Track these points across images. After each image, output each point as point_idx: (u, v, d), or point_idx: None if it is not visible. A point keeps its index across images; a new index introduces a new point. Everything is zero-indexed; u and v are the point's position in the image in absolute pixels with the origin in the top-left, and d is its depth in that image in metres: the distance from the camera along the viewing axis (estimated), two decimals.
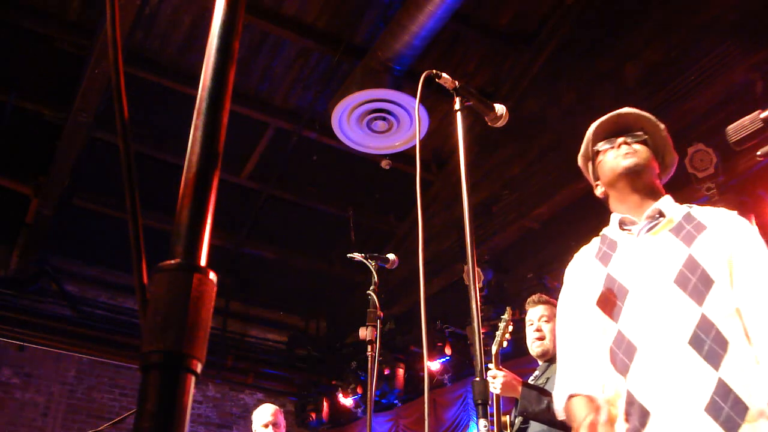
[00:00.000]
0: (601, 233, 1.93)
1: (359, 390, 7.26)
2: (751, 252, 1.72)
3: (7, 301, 7.05)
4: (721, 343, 1.60)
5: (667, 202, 1.90)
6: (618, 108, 2.02)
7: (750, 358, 1.60)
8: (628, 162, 1.87)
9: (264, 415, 4.13)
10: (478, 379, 1.26)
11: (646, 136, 1.95)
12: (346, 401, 7.44)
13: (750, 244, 1.74)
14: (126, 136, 0.70)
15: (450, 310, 6.26)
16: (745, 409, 1.53)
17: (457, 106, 1.69)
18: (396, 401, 7.24)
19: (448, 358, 6.33)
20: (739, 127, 1.61)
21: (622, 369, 1.67)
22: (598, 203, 2.06)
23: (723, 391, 1.55)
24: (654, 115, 2.02)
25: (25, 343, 7.18)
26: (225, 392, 8.38)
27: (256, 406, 4.42)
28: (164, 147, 6.41)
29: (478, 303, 1.36)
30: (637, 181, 1.89)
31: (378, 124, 5.37)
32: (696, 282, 1.66)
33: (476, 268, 1.45)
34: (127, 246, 0.67)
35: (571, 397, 1.77)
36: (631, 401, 1.64)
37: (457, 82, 1.72)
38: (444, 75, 1.72)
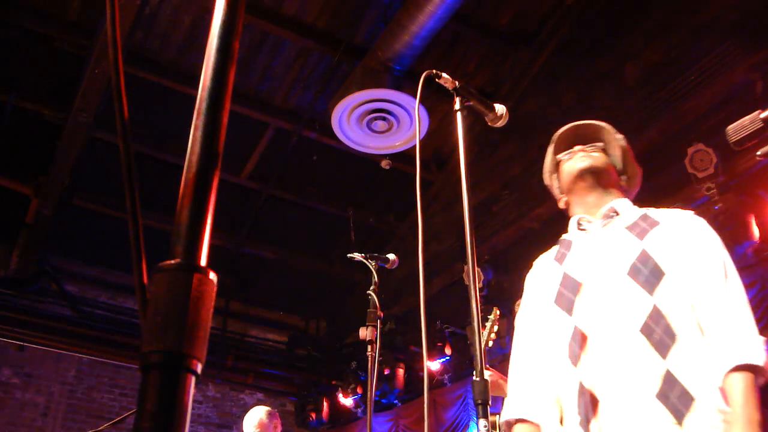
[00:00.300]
0: (560, 239, 1.98)
1: (359, 390, 7.26)
2: (704, 248, 1.75)
3: (7, 301, 7.05)
4: (670, 335, 1.63)
5: (623, 202, 1.94)
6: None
7: (700, 351, 1.62)
8: (584, 163, 1.93)
9: (250, 421, 4.13)
10: (478, 379, 1.25)
11: (602, 145, 2.01)
12: (346, 401, 7.44)
13: (704, 240, 1.77)
14: (126, 136, 0.70)
15: (450, 310, 6.26)
16: (691, 399, 1.55)
17: (457, 106, 1.69)
18: (396, 401, 7.24)
19: (448, 358, 6.33)
20: (739, 127, 1.61)
21: (575, 360, 1.69)
22: None
23: (670, 381, 1.57)
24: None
25: (25, 343, 7.18)
26: (225, 392, 8.38)
27: (256, 405, 4.41)
28: (164, 147, 6.41)
29: (478, 303, 1.36)
30: (593, 182, 1.93)
31: (378, 124, 5.37)
32: (648, 274, 1.70)
33: (476, 268, 1.46)
34: (127, 246, 0.67)
35: (516, 422, 1.80)
36: (582, 391, 1.65)
37: (457, 82, 1.72)
38: (444, 75, 1.72)
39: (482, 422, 1.22)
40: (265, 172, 6.86)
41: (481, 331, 1.30)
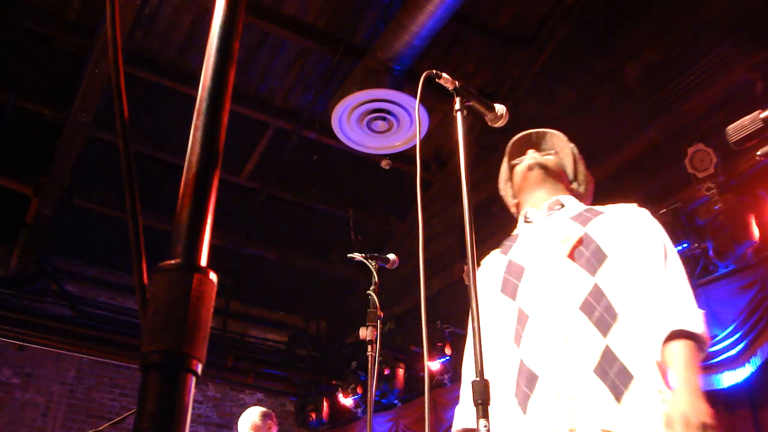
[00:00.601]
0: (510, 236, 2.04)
1: (359, 390, 7.26)
2: (645, 232, 1.81)
3: (7, 301, 7.05)
4: (611, 314, 1.66)
5: (570, 198, 2.00)
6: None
7: (642, 331, 1.65)
8: (533, 161, 2.03)
9: (244, 424, 4.12)
10: (477, 379, 1.25)
11: (553, 151, 2.09)
12: (346, 401, 7.44)
13: (645, 226, 1.83)
14: (126, 136, 0.70)
15: (450, 310, 6.26)
16: (630, 377, 1.57)
17: (457, 106, 1.69)
18: (396, 401, 7.24)
19: (448, 358, 6.33)
20: (739, 127, 1.61)
21: (518, 340, 1.72)
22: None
23: (609, 357, 1.60)
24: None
25: (25, 343, 7.18)
26: (225, 392, 8.38)
27: (255, 405, 4.41)
28: (164, 147, 6.41)
29: (478, 302, 1.36)
30: (542, 177, 2.01)
31: (378, 124, 5.37)
32: (590, 256, 1.74)
33: (476, 268, 1.46)
34: (127, 246, 0.67)
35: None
36: (521, 369, 1.68)
37: (457, 82, 1.72)
38: (444, 75, 1.72)
39: (482, 422, 1.21)
40: (265, 172, 6.85)
41: (480, 331, 1.30)
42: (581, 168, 2.12)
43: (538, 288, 1.76)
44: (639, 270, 1.73)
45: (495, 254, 2.01)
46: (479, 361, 1.27)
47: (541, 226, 1.91)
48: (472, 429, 1.78)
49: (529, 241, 1.89)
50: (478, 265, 2.01)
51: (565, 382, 1.59)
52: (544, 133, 2.13)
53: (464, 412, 1.85)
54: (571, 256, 1.76)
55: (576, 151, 2.11)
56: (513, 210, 2.13)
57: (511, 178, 2.12)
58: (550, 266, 1.78)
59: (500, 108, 1.83)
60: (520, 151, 2.11)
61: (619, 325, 1.64)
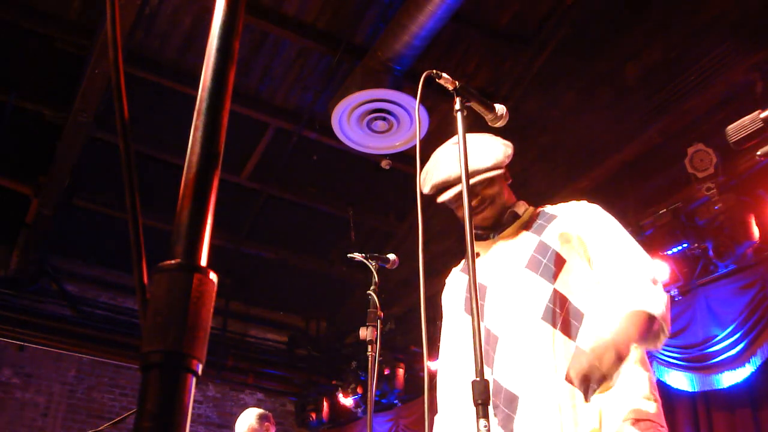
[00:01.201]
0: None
1: (359, 390, 7.26)
2: (600, 223, 1.81)
3: (7, 301, 7.05)
4: (577, 316, 1.66)
5: (520, 204, 2.00)
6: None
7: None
8: (487, 222, 1.95)
9: (241, 426, 4.08)
10: (477, 379, 1.25)
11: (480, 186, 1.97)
12: (346, 401, 7.44)
13: (598, 218, 1.83)
14: (126, 136, 0.70)
15: None
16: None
17: (457, 106, 1.70)
18: (396, 401, 7.24)
19: None
20: (739, 127, 1.61)
21: (489, 361, 1.70)
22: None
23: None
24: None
25: (25, 343, 7.18)
26: (225, 392, 8.38)
27: (256, 406, 4.40)
28: (164, 147, 6.41)
29: (477, 302, 1.36)
30: (490, 214, 1.96)
31: (378, 124, 5.37)
32: (546, 263, 1.74)
33: (476, 269, 1.45)
34: (127, 246, 0.67)
35: None
36: (497, 390, 1.65)
37: (457, 82, 1.72)
38: (444, 75, 1.72)
39: (482, 422, 1.21)
40: (265, 172, 6.85)
41: (480, 330, 1.30)
42: (499, 150, 2.02)
43: (501, 305, 1.76)
44: (604, 265, 1.72)
45: (456, 273, 2.02)
46: (479, 360, 1.26)
47: (498, 242, 1.91)
48: None
49: (488, 259, 1.88)
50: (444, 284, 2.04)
51: (545, 396, 1.58)
52: (452, 179, 1.96)
53: (444, 421, 1.83)
54: (529, 266, 1.76)
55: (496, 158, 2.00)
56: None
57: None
58: (509, 281, 1.77)
59: (500, 108, 1.83)
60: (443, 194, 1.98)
61: (586, 326, 1.64)
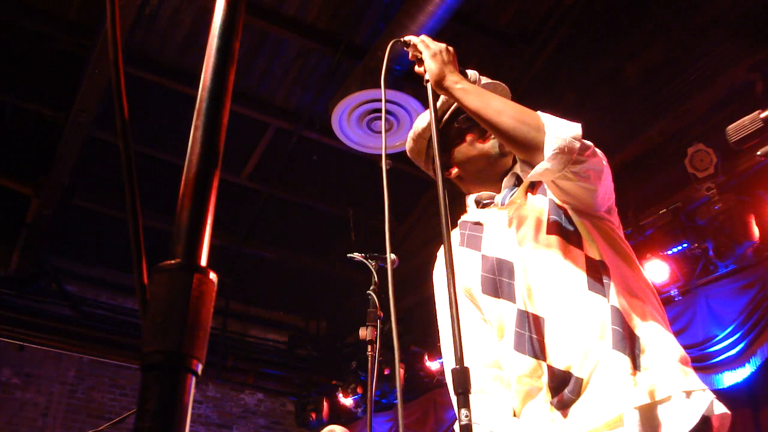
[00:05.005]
0: (459, 222, 1.81)
1: (359, 390, 7.26)
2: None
3: (7, 301, 7.05)
4: (607, 272, 1.54)
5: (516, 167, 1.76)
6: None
7: (635, 286, 1.58)
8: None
9: None
10: (457, 367, 1.22)
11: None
12: (346, 401, 7.44)
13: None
14: (126, 136, 0.70)
15: None
16: (641, 344, 1.48)
17: (427, 75, 1.71)
18: (396, 401, 7.24)
19: None
20: (739, 127, 1.61)
21: (539, 350, 1.52)
22: None
23: (619, 324, 1.47)
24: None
25: (25, 343, 7.18)
26: (225, 392, 8.38)
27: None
28: (164, 147, 6.41)
29: (454, 287, 1.32)
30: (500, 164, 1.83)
31: (378, 124, 5.37)
32: (566, 225, 1.60)
33: (452, 254, 1.44)
34: (127, 246, 0.67)
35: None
36: (552, 375, 1.50)
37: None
38: (412, 42, 1.74)
39: (463, 412, 1.19)
40: (265, 172, 6.85)
41: (458, 318, 1.26)
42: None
43: (535, 284, 1.56)
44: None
45: (456, 249, 1.72)
46: (458, 348, 1.23)
47: (508, 210, 1.70)
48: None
49: (501, 231, 1.67)
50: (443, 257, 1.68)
51: (608, 371, 1.45)
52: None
53: (490, 404, 1.64)
54: (550, 231, 1.59)
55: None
56: (452, 176, 1.88)
57: (452, 143, 1.87)
58: (537, 254, 1.58)
59: (472, 74, 1.81)
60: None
61: (613, 286, 1.51)
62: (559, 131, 1.49)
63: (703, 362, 4.30)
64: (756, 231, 4.07)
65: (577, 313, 1.51)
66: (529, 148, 1.51)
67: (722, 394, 4.29)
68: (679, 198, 4.38)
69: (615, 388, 1.44)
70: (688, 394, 1.42)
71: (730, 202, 4.10)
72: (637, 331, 1.49)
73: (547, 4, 5.72)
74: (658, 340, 1.50)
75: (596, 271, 1.54)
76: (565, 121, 1.53)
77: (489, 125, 1.58)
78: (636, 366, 1.45)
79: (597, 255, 1.56)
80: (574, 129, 1.51)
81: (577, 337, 1.50)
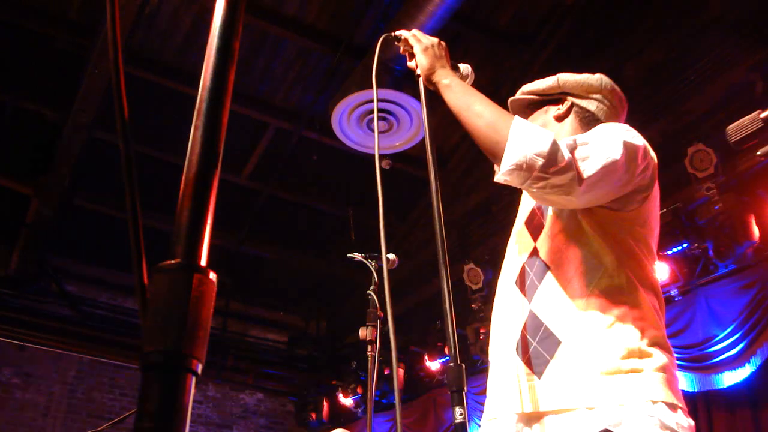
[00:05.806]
0: None
1: (359, 390, 7.26)
2: None
3: (7, 301, 7.05)
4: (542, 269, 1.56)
5: None
6: None
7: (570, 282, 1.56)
8: None
9: None
10: (452, 364, 1.22)
11: None
12: (346, 401, 7.44)
13: None
14: (126, 136, 0.70)
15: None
16: (557, 343, 1.40)
17: (418, 70, 1.72)
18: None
19: (448, 357, 6.33)
20: (739, 127, 1.61)
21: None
22: None
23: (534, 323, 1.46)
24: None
25: (25, 343, 7.18)
26: (225, 392, 8.38)
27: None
28: (164, 147, 6.41)
29: (449, 289, 1.34)
30: None
31: (378, 124, 5.37)
32: (536, 212, 1.69)
33: (447, 255, 1.44)
34: (127, 246, 0.67)
35: None
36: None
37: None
38: (403, 36, 1.75)
39: (458, 410, 1.19)
40: (265, 172, 6.85)
41: (453, 316, 1.26)
42: None
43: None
44: None
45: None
46: (453, 346, 1.23)
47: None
48: None
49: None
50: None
51: (503, 374, 1.48)
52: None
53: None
54: (530, 217, 1.76)
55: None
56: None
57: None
58: (521, 233, 1.71)
59: (465, 68, 1.85)
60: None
61: (550, 287, 1.48)
62: (521, 146, 1.39)
63: (703, 362, 4.30)
64: (756, 231, 4.06)
65: (505, 307, 1.56)
66: (494, 158, 1.50)
67: (722, 394, 4.30)
68: (679, 198, 4.38)
69: (505, 391, 1.43)
70: (592, 409, 1.30)
71: (730, 202, 4.10)
72: (561, 337, 1.39)
73: (547, 4, 5.72)
74: (588, 348, 1.36)
75: (536, 266, 1.51)
76: (539, 133, 1.42)
77: (464, 127, 1.58)
78: (535, 373, 1.38)
79: (552, 248, 1.51)
80: (541, 144, 1.38)
81: (499, 334, 1.54)
